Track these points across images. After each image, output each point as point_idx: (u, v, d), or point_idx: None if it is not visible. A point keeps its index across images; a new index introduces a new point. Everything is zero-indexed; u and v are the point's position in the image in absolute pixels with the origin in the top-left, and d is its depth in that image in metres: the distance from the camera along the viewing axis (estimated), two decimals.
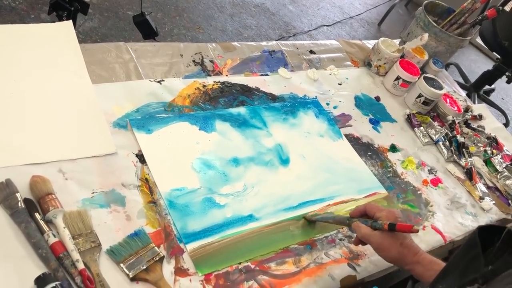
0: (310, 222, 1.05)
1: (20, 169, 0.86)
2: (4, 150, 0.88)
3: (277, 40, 1.59)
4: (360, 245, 0.96)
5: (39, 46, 1.10)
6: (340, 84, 1.48)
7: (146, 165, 0.98)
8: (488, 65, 3.96)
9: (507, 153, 1.54)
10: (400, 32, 1.75)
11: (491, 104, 3.38)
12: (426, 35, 1.50)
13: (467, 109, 1.63)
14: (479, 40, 3.62)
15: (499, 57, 3.09)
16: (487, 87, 3.41)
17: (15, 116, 0.94)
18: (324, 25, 3.56)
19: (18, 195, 0.81)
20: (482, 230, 0.64)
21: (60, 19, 1.59)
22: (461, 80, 3.49)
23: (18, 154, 0.88)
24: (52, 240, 0.78)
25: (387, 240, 0.88)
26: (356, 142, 1.31)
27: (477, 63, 4.20)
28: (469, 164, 1.40)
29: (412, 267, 0.89)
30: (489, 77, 3.21)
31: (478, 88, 3.32)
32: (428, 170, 1.35)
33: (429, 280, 0.86)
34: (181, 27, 2.83)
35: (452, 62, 3.59)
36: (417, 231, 0.86)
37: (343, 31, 3.63)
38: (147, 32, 1.84)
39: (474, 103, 2.79)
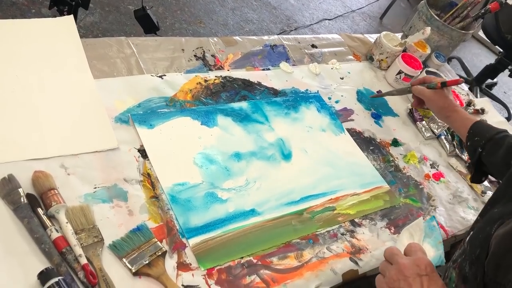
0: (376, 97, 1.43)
1: (23, 165, 0.86)
2: (6, 146, 0.88)
3: (278, 34, 1.58)
4: (418, 106, 1.33)
5: (41, 41, 1.10)
6: (342, 79, 1.47)
7: (148, 160, 0.98)
8: (490, 58, 3.95)
9: None
10: (402, 26, 1.74)
11: (494, 98, 3.37)
12: (428, 29, 1.49)
13: (469, 103, 1.63)
14: (481, 34, 3.61)
15: (501, 50, 3.08)
16: (489, 81, 3.40)
17: (17, 111, 0.94)
18: (326, 19, 3.55)
19: (20, 190, 0.81)
20: None
21: (61, 13, 1.59)
22: (463, 74, 3.48)
23: (20, 149, 0.88)
24: (54, 235, 0.78)
25: (438, 95, 1.21)
26: (358, 136, 1.31)
27: (479, 57, 4.18)
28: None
29: (452, 114, 1.18)
30: (491, 71, 3.20)
31: (480, 82, 3.31)
32: (430, 164, 1.35)
33: (462, 124, 1.14)
34: (182, 21, 2.82)
35: (455, 56, 3.58)
36: (463, 81, 1.30)
37: (345, 25, 3.62)
38: (149, 26, 1.84)
39: (477, 97, 2.79)
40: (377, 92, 1.49)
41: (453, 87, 1.56)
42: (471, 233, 0.83)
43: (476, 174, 1.12)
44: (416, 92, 1.26)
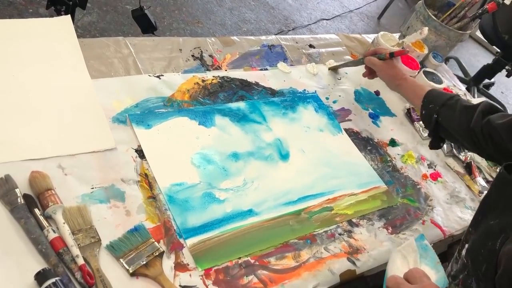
0: (332, 69, 1.47)
1: (19, 165, 0.86)
2: (3, 146, 0.87)
3: (276, 34, 1.59)
4: (368, 77, 1.37)
5: (38, 41, 1.10)
6: (340, 79, 1.48)
7: (146, 160, 0.98)
8: (488, 58, 3.95)
9: None
10: (399, 26, 1.74)
11: (491, 98, 3.38)
12: (426, 29, 1.49)
13: None
14: (479, 34, 3.62)
15: (499, 50, 3.08)
16: (486, 81, 3.41)
17: (14, 111, 0.94)
18: (324, 19, 3.55)
19: (17, 190, 0.81)
20: (508, 167, 0.77)
21: (59, 13, 1.58)
22: (460, 74, 3.49)
23: (17, 149, 0.88)
24: (51, 235, 0.78)
25: (387, 65, 1.28)
26: (355, 136, 1.31)
27: (477, 57, 4.19)
28: (468, 158, 1.40)
29: (401, 82, 1.24)
30: (489, 71, 3.20)
31: (478, 82, 3.32)
32: (428, 164, 1.35)
33: (412, 90, 1.22)
34: (180, 21, 2.82)
35: (452, 56, 3.59)
36: (408, 52, 1.37)
37: (343, 25, 3.62)
38: (146, 26, 1.83)
39: (474, 97, 2.79)
40: (375, 92, 1.50)
41: (446, 86, 1.56)
42: (467, 246, 0.81)
43: (434, 141, 1.19)
44: (367, 62, 1.32)
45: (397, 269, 0.89)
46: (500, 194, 0.79)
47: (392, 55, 1.27)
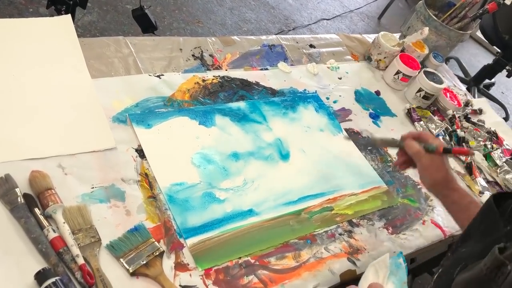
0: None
1: (20, 164, 0.86)
2: (3, 145, 0.87)
3: (276, 34, 1.58)
4: (400, 167, 1.03)
5: (38, 40, 1.09)
6: (340, 79, 1.47)
7: (146, 160, 0.98)
8: (488, 59, 3.95)
9: (507, 147, 1.54)
10: (400, 26, 1.74)
11: (491, 98, 3.38)
12: (426, 29, 1.49)
13: (467, 104, 1.63)
14: (479, 34, 3.61)
15: (499, 51, 3.08)
16: (487, 81, 3.41)
17: (14, 111, 0.94)
18: (324, 19, 3.55)
19: (17, 190, 0.81)
20: (496, 197, 0.69)
21: (59, 13, 1.58)
22: (461, 74, 3.49)
23: (17, 149, 0.88)
24: (52, 235, 0.78)
25: (437, 163, 0.94)
26: (356, 136, 1.31)
27: (477, 57, 4.19)
28: (469, 158, 1.40)
29: (451, 193, 0.95)
30: (489, 71, 3.20)
31: (478, 82, 3.32)
32: None
33: (461, 205, 0.94)
34: (180, 21, 2.82)
35: (452, 56, 3.58)
36: (474, 153, 1.00)
37: (343, 24, 3.62)
38: (146, 26, 1.83)
39: (474, 97, 2.79)
40: (375, 92, 1.49)
41: (446, 86, 1.56)
42: (439, 270, 0.74)
43: None
44: (410, 150, 0.97)
45: (367, 282, 0.89)
46: (482, 220, 0.73)
47: (448, 151, 0.94)
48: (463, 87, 1.81)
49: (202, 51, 1.30)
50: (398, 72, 1.50)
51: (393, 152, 1.32)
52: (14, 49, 1.05)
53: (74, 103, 1.01)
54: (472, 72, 3.44)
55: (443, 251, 1.40)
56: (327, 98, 1.38)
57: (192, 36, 1.38)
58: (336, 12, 3.70)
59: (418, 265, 1.69)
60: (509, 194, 0.69)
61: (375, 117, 1.41)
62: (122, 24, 2.55)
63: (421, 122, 1.45)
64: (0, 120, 0.91)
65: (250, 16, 3.17)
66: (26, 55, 1.05)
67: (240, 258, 0.91)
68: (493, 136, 1.54)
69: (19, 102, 0.96)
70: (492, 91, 3.57)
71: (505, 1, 1.66)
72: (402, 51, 1.56)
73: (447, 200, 0.97)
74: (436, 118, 1.47)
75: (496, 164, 1.44)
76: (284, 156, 1.15)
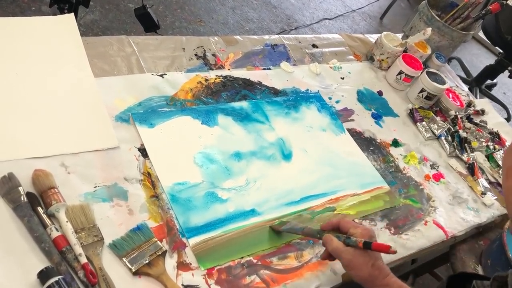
0: (276, 232, 0.97)
1: (23, 163, 0.86)
2: (6, 144, 0.87)
3: (278, 34, 1.59)
4: (328, 260, 0.92)
5: (41, 39, 1.09)
6: (343, 79, 1.47)
7: (149, 159, 0.98)
8: (490, 59, 3.94)
9: None
10: (402, 26, 1.74)
11: (493, 98, 3.37)
12: (429, 30, 1.49)
13: (469, 104, 1.63)
14: (481, 34, 3.61)
15: (501, 51, 3.08)
16: (489, 81, 3.40)
17: (17, 109, 0.94)
18: (326, 19, 3.54)
19: (20, 189, 0.81)
20: (452, 278, 0.66)
21: (62, 11, 1.58)
22: (463, 75, 3.48)
23: (21, 147, 0.88)
24: (54, 234, 0.78)
25: (359, 259, 0.84)
26: (358, 136, 1.31)
27: (479, 58, 4.18)
28: (471, 159, 1.40)
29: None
30: (491, 72, 3.20)
31: (480, 83, 3.31)
32: (430, 165, 1.35)
33: None
34: (183, 20, 2.82)
35: (454, 56, 3.58)
36: (395, 252, 0.81)
37: (345, 24, 3.61)
38: (149, 25, 1.83)
39: (476, 97, 2.79)
40: (377, 92, 1.49)
41: (449, 87, 1.56)
42: None
43: None
44: (328, 246, 0.88)
45: None
46: None
47: (367, 245, 0.82)
48: (465, 88, 1.81)
49: (204, 50, 1.30)
50: (400, 72, 1.50)
51: (395, 152, 1.32)
52: (18, 48, 1.05)
53: (77, 102, 1.01)
54: (474, 72, 3.44)
55: (444, 251, 1.40)
56: (330, 98, 1.38)
57: (194, 35, 1.39)
58: (338, 11, 3.70)
59: (419, 266, 1.69)
60: (467, 275, 0.68)
61: (377, 117, 1.40)
62: (124, 23, 2.55)
63: (423, 123, 1.45)
64: (3, 119, 0.91)
65: (252, 15, 3.17)
66: (29, 54, 1.05)
67: (242, 257, 0.91)
68: (495, 137, 1.54)
69: (22, 101, 0.96)
70: (494, 92, 3.57)
71: (508, 2, 1.66)
72: (404, 51, 1.56)
73: None
74: (438, 118, 1.47)
75: (498, 165, 1.44)
76: (287, 156, 1.15)
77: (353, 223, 0.90)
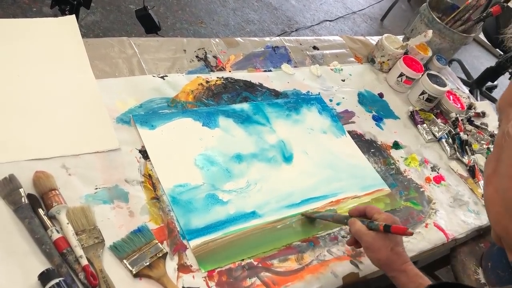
0: (310, 219, 1.04)
1: (24, 165, 0.86)
2: (7, 146, 0.87)
3: (279, 35, 1.59)
4: (353, 246, 0.96)
5: (42, 41, 1.10)
6: (344, 81, 1.47)
7: (149, 161, 0.98)
8: (490, 61, 3.95)
9: None
10: (403, 28, 1.74)
11: (494, 101, 3.37)
12: (430, 32, 1.49)
13: (470, 106, 1.63)
14: (482, 36, 3.61)
15: (502, 53, 3.08)
16: (489, 83, 3.40)
17: (19, 111, 0.94)
18: (327, 20, 3.55)
19: (21, 190, 0.81)
20: None
21: (63, 13, 1.58)
22: (463, 77, 3.48)
23: (21, 149, 0.88)
24: (55, 236, 0.78)
25: (379, 242, 0.87)
26: (359, 139, 1.31)
27: (479, 59, 4.19)
28: (472, 161, 1.40)
29: (397, 275, 0.88)
30: (491, 74, 3.20)
31: (480, 85, 3.31)
32: (431, 167, 1.35)
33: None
34: (184, 21, 2.82)
35: (455, 58, 3.58)
36: (412, 233, 0.84)
37: (346, 26, 3.62)
38: (150, 26, 1.83)
39: (476, 99, 2.79)
40: (378, 94, 1.49)
41: (450, 89, 1.56)
42: None
43: None
44: (351, 229, 0.92)
45: None
46: None
47: (387, 228, 0.86)
48: (466, 90, 1.80)
49: (205, 52, 1.30)
50: (401, 75, 1.50)
51: (395, 154, 1.32)
52: (18, 50, 1.05)
53: (78, 104, 1.01)
54: (475, 74, 3.44)
55: (445, 254, 1.40)
56: (331, 100, 1.38)
57: (195, 36, 1.39)
58: (339, 13, 3.70)
59: (420, 268, 1.69)
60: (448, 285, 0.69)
61: (378, 119, 1.40)
62: (125, 24, 2.56)
63: (424, 125, 1.45)
64: (4, 120, 0.91)
65: (253, 17, 3.17)
66: (30, 56, 1.05)
67: (243, 260, 0.91)
68: None
69: (23, 103, 0.96)
70: (495, 94, 3.57)
71: (508, 4, 1.66)
72: (405, 53, 1.56)
73: (395, 282, 0.89)
74: (439, 121, 1.47)
75: None
76: (287, 158, 1.15)
77: (378, 209, 0.93)
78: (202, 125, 1.11)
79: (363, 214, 0.94)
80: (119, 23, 2.55)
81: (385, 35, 1.58)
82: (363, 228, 0.89)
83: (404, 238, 1.10)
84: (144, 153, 0.99)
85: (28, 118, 0.94)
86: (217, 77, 1.24)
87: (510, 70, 3.06)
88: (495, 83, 3.47)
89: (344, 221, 0.96)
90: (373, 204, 1.14)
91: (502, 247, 0.56)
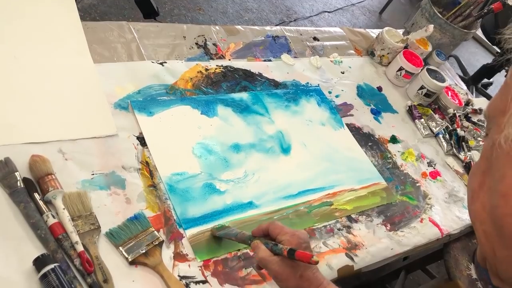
0: (215, 236, 0.90)
1: (20, 148, 0.84)
2: (3, 128, 0.86)
3: (278, 25, 1.57)
4: (262, 271, 0.86)
5: (40, 22, 1.07)
6: (343, 73, 1.47)
7: (147, 148, 0.97)
8: (487, 58, 3.96)
9: None
10: (401, 21, 1.73)
11: (489, 98, 3.38)
12: (431, 27, 1.48)
13: (468, 103, 1.63)
14: (479, 33, 3.61)
15: (499, 51, 3.08)
16: (485, 80, 3.41)
17: (15, 94, 0.92)
18: (326, 11, 3.53)
19: (17, 174, 0.80)
20: None
21: None
22: (460, 72, 3.49)
23: (18, 132, 0.87)
24: (51, 221, 0.77)
25: (286, 270, 0.74)
26: (357, 132, 1.30)
27: (476, 56, 4.19)
28: (468, 158, 1.40)
29: None
30: (488, 71, 3.21)
31: (476, 81, 3.32)
32: (428, 162, 1.35)
33: None
34: (182, 7, 2.79)
35: (452, 54, 3.57)
36: (316, 262, 0.70)
37: (344, 18, 3.60)
38: (148, 11, 1.80)
39: (472, 96, 2.79)
40: (377, 87, 1.49)
41: (448, 85, 1.56)
42: None
43: None
44: (256, 257, 0.79)
45: None
46: None
47: (291, 254, 0.72)
48: (464, 86, 1.80)
49: (205, 39, 1.29)
50: (400, 69, 1.50)
51: (393, 149, 1.32)
52: (16, 31, 1.03)
53: (76, 88, 1.00)
54: (471, 70, 3.44)
55: (437, 249, 1.40)
56: (330, 92, 1.37)
57: (193, 23, 1.36)
58: (338, 5, 3.68)
59: (411, 262, 1.70)
60: None
61: (376, 113, 1.40)
62: (123, 8, 2.52)
63: (422, 120, 1.45)
64: (0, 103, 0.89)
65: (251, 5, 3.14)
66: (27, 37, 1.03)
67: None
68: None
69: (20, 85, 0.94)
70: (490, 91, 3.58)
71: (508, 2, 1.65)
72: (405, 47, 1.56)
73: None
74: (437, 116, 1.47)
75: None
76: (285, 150, 1.14)
77: (282, 227, 0.80)
78: (201, 113, 1.10)
79: (267, 234, 0.81)
80: (116, 7, 2.51)
81: (386, 28, 1.57)
82: (267, 254, 0.76)
83: (399, 232, 1.11)
84: (141, 140, 0.98)
85: (25, 101, 0.92)
86: (217, 65, 1.23)
87: (506, 68, 3.06)
88: (491, 80, 3.48)
89: (248, 241, 0.83)
90: (370, 198, 1.14)
91: (485, 268, 0.51)
